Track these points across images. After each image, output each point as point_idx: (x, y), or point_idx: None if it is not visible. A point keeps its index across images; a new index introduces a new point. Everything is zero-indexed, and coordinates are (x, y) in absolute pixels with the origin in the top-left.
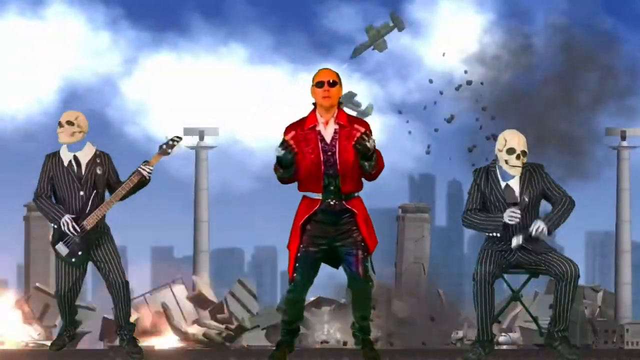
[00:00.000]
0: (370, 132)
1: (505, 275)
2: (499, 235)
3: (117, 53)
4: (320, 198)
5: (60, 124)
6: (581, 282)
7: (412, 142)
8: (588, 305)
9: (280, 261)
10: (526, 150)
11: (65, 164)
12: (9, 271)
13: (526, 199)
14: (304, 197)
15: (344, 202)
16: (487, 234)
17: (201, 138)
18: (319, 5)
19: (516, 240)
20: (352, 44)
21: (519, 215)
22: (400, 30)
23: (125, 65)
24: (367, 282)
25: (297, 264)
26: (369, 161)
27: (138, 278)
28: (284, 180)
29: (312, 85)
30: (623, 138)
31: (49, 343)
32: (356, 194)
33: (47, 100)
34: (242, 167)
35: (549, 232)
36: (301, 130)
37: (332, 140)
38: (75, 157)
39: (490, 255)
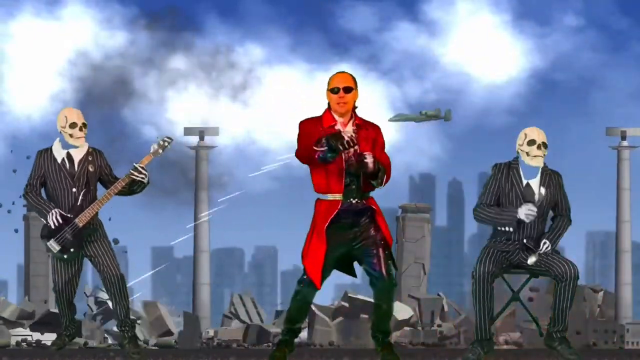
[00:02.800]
0: (381, 134)
1: (505, 276)
2: (511, 229)
3: (133, 53)
4: (341, 199)
5: (82, 127)
6: (581, 282)
7: (428, 142)
8: (587, 306)
9: (280, 261)
10: (546, 142)
11: (59, 161)
12: (9, 271)
13: (544, 201)
14: (320, 200)
15: (364, 202)
16: (498, 227)
17: (201, 138)
18: (335, 5)
19: (532, 259)
20: (369, 44)
21: (535, 213)
22: (446, 120)
23: (141, 65)
24: (391, 281)
25: (324, 269)
26: (375, 179)
27: (138, 278)
28: (315, 161)
29: (327, 90)
30: (623, 138)
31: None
32: (371, 194)
33: (64, 100)
34: (257, 166)
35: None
36: (321, 128)
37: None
38: (68, 155)
39: (491, 254)
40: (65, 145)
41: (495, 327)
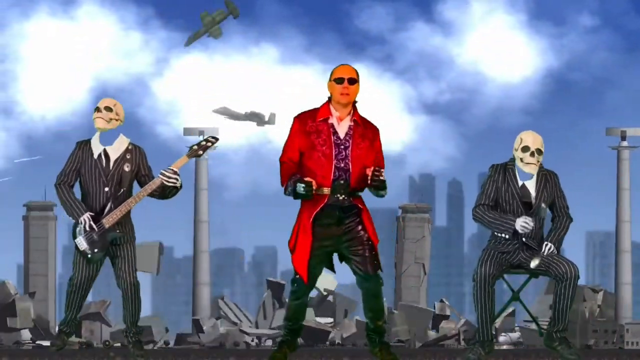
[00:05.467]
0: (379, 136)
1: (505, 276)
2: (507, 237)
3: (148, 53)
4: (328, 193)
5: (98, 109)
6: (581, 282)
7: (443, 142)
8: (587, 306)
9: (281, 261)
10: (541, 149)
11: (95, 156)
12: (9, 271)
13: (542, 203)
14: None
15: (351, 199)
16: (495, 233)
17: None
18: (350, 5)
19: (534, 263)
20: (384, 44)
21: (531, 227)
22: (235, 17)
23: (157, 65)
24: (378, 280)
25: (310, 265)
26: (381, 190)
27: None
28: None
29: (331, 80)
30: (623, 138)
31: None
32: (360, 193)
33: (78, 100)
34: (274, 168)
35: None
36: (312, 122)
37: (345, 136)
38: (104, 151)
39: (492, 256)
40: (104, 141)
41: (495, 327)
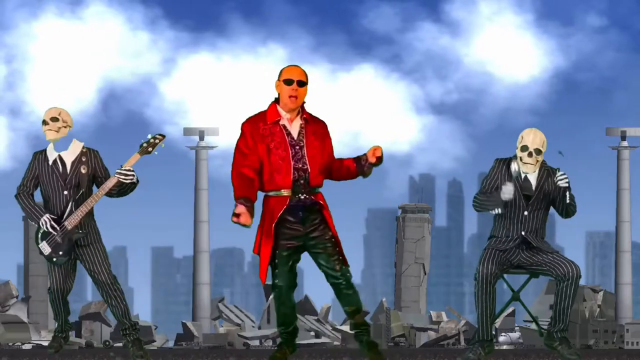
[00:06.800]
0: (328, 130)
1: (505, 276)
2: (500, 211)
3: (156, 53)
4: (289, 195)
5: (44, 122)
6: (581, 282)
7: (452, 142)
8: (587, 306)
9: None
10: (541, 149)
11: (50, 162)
12: (9, 271)
13: (540, 193)
14: (268, 197)
15: (312, 197)
16: (490, 211)
17: (201, 138)
18: (358, 5)
19: (507, 190)
20: (391, 44)
21: (512, 191)
22: None
23: (164, 66)
24: (345, 274)
25: (276, 268)
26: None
27: (138, 278)
28: None
29: (279, 80)
30: (623, 138)
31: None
32: (319, 189)
33: (86, 100)
34: None
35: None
36: (264, 125)
37: (299, 135)
38: (59, 157)
39: (493, 255)
40: (58, 148)
41: (495, 327)
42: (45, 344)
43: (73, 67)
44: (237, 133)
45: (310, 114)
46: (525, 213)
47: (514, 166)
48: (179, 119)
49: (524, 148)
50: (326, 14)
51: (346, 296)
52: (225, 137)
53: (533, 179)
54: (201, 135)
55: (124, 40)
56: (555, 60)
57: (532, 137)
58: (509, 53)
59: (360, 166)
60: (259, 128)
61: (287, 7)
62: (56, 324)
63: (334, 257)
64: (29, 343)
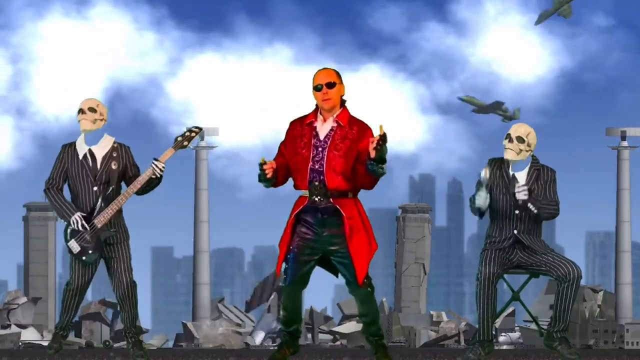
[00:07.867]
0: (368, 137)
1: (505, 276)
2: (482, 211)
3: (162, 53)
4: (307, 195)
5: (81, 111)
6: (581, 282)
7: (458, 142)
8: (587, 306)
9: None
10: (523, 137)
11: (80, 157)
12: (9, 271)
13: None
14: (299, 196)
15: (330, 200)
16: (476, 205)
17: (201, 138)
18: (364, 5)
19: (484, 174)
20: (397, 44)
21: (487, 177)
22: (514, 118)
23: (170, 66)
24: (366, 288)
25: (287, 265)
26: (383, 163)
27: (138, 278)
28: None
29: (312, 89)
30: (623, 138)
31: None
32: (349, 195)
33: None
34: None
35: (529, 203)
36: (300, 126)
37: (325, 137)
38: (90, 151)
39: (493, 256)
40: (89, 142)
41: (495, 327)
42: (45, 344)
43: (79, 67)
44: (237, 133)
45: (352, 118)
46: (517, 212)
47: (483, 173)
48: (185, 119)
49: (507, 136)
50: (332, 14)
51: (360, 307)
52: (226, 137)
53: (522, 177)
54: (201, 135)
55: (130, 40)
56: (562, 60)
57: (516, 127)
58: (515, 53)
59: (366, 165)
60: (295, 129)
61: (293, 7)
62: (60, 320)
63: (351, 270)
64: (29, 343)
